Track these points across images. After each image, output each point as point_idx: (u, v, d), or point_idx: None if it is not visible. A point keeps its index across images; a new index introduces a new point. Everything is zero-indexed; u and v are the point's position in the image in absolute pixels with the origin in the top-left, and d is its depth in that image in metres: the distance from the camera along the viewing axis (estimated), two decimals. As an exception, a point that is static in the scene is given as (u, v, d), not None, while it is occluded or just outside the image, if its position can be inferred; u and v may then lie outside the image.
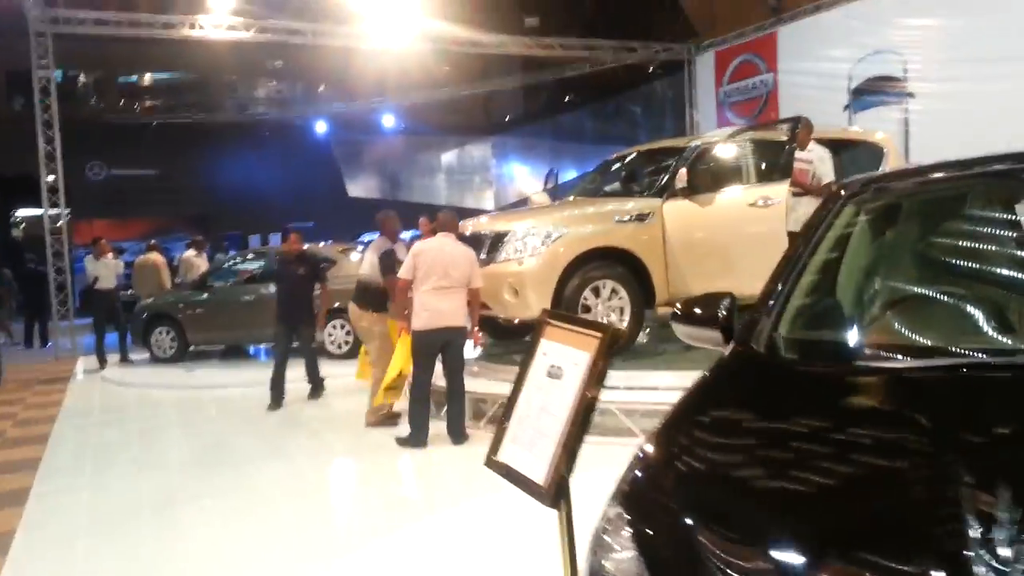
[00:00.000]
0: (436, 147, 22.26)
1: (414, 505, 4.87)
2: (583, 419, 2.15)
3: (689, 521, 1.52)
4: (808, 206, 6.27)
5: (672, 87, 17.70)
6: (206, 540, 4.31)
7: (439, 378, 5.91)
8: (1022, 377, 1.74)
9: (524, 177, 22.75)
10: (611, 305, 6.37)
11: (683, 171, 6.28)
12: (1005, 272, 2.28)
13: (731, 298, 2.33)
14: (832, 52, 13.28)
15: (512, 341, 7.76)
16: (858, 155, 7.50)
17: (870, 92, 12.67)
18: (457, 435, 5.80)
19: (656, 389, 5.68)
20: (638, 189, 7.29)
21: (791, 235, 6.10)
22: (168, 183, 23.31)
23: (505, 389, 6.11)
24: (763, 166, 6.42)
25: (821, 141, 6.63)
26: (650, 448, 1.83)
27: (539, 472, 2.20)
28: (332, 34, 13.61)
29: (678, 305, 2.49)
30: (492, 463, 2.41)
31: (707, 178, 6.47)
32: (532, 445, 2.27)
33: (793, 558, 1.34)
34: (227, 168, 22.58)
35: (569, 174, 22.37)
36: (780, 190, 5.88)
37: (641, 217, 6.45)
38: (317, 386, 7.89)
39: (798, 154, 6.41)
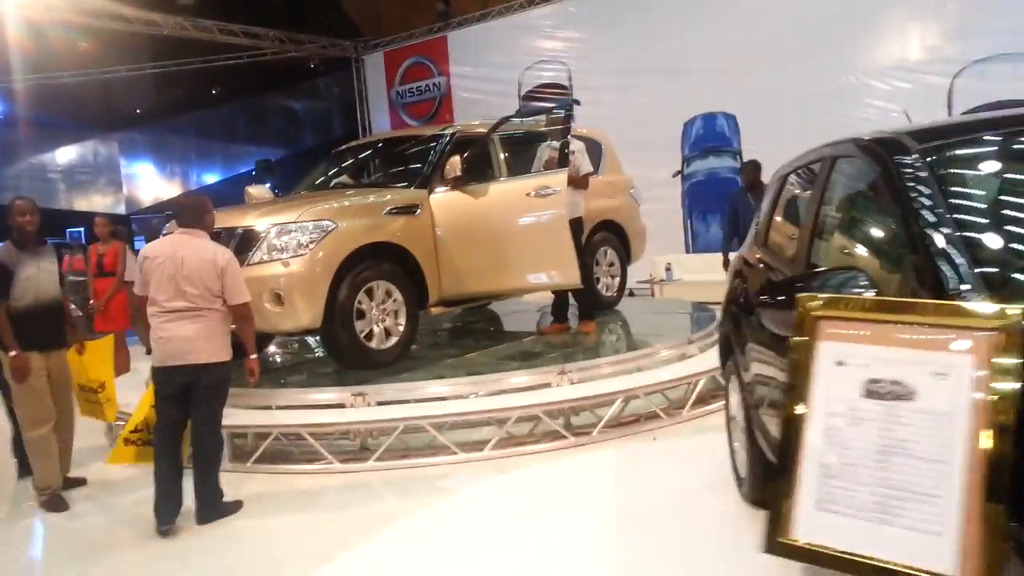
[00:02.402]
0: (49, 141, 18.66)
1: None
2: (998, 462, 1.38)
3: None
4: (572, 196, 6.23)
5: (338, 85, 17.00)
6: None
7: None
8: None
9: (162, 178, 20.19)
10: (386, 308, 5.66)
11: (456, 159, 5.81)
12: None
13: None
14: (501, 59, 13.80)
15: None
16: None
17: (538, 99, 13.38)
18: (207, 511, 4.09)
19: (462, 398, 5.15)
20: (388, 180, 6.64)
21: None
22: None
23: (266, 418, 5.15)
24: (535, 155, 6.21)
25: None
26: None
27: (929, 556, 1.42)
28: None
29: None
30: (787, 548, 1.58)
31: (478, 167, 6.09)
32: (886, 511, 1.50)
33: None
34: None
35: (212, 176, 20.43)
36: (559, 179, 5.72)
37: (409, 210, 5.84)
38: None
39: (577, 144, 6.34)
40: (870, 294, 1.74)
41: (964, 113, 10.20)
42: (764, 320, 2.88)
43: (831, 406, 1.52)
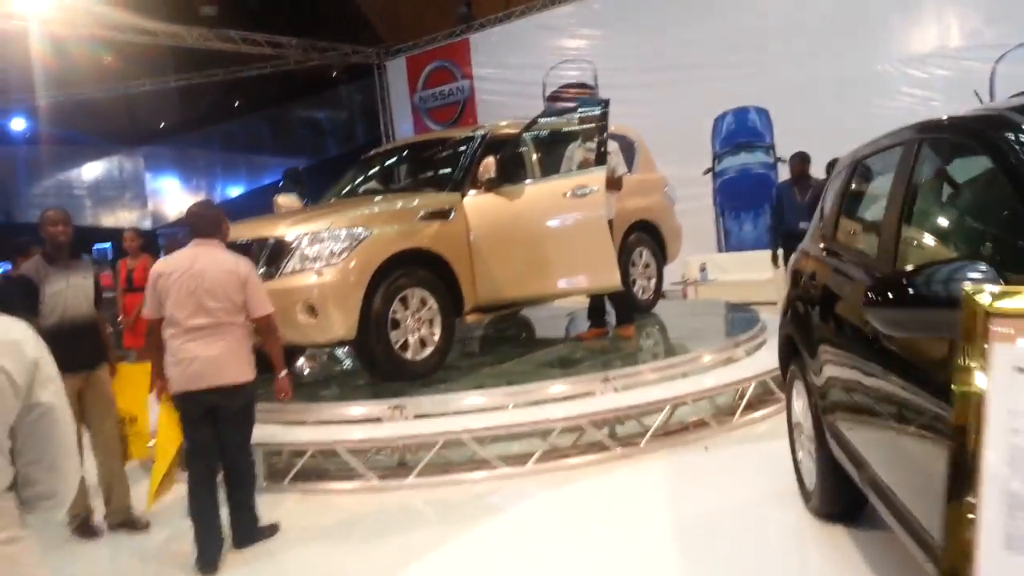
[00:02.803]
0: (74, 158, 18.76)
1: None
2: None
3: None
4: (611, 198, 6.03)
5: (361, 92, 16.92)
6: None
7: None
8: None
9: (187, 192, 20.24)
10: (421, 317, 5.48)
11: (490, 161, 5.62)
12: None
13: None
14: (524, 60, 13.61)
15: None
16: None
17: (563, 99, 13.16)
18: (244, 535, 3.89)
19: (502, 409, 4.95)
20: (418, 185, 6.47)
21: None
22: None
23: (302, 435, 4.97)
24: (570, 155, 5.99)
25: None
26: None
27: None
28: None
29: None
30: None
31: (511, 169, 5.90)
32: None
33: None
34: None
35: (237, 188, 20.44)
36: (596, 178, 5.50)
37: (443, 214, 5.65)
38: None
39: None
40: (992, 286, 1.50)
41: (1014, 96, 9.90)
42: (846, 320, 2.65)
43: (1015, 421, 1.25)
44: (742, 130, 11.69)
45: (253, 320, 3.78)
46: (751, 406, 5.26)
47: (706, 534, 3.53)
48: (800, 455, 3.64)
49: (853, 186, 3.10)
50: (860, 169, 3.07)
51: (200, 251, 3.75)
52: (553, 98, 13.28)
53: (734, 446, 4.78)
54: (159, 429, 3.97)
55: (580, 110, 5.99)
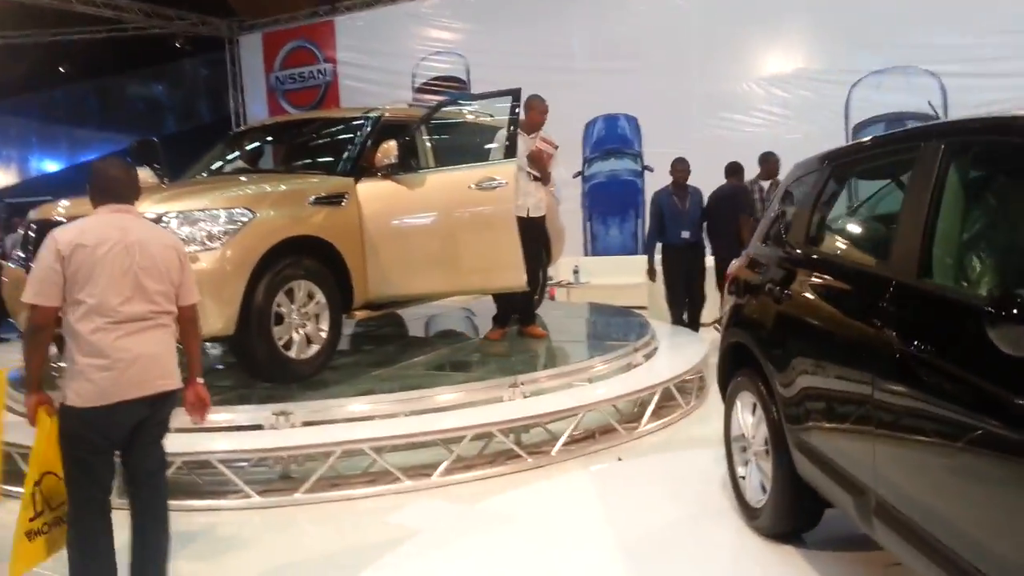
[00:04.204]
0: None
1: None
2: None
3: None
4: (541, 192, 5.76)
5: (208, 67, 15.63)
6: None
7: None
8: None
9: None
10: (307, 312, 4.91)
11: (391, 145, 5.13)
12: None
13: None
14: (393, 48, 13.08)
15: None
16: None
17: (434, 91, 12.74)
18: None
19: (402, 416, 4.49)
20: (301, 167, 5.87)
21: (525, 220, 5.46)
22: None
23: (168, 444, 4.25)
24: (471, 145, 5.61)
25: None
26: None
27: None
28: None
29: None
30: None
31: (413, 155, 5.45)
32: None
33: None
34: None
35: (55, 164, 18.37)
36: (506, 171, 5.15)
37: (335, 200, 5.10)
38: None
39: (544, 135, 5.80)
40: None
41: (859, 124, 10.55)
42: (850, 330, 2.46)
43: None
44: (612, 136, 11.77)
45: (180, 308, 2.99)
46: (654, 413, 5.10)
47: (646, 554, 3.27)
48: (742, 470, 3.47)
49: (832, 189, 2.94)
50: (840, 171, 2.92)
51: (131, 219, 2.91)
52: (422, 90, 12.83)
53: (648, 455, 4.58)
54: (34, 464, 2.85)
55: (489, 99, 5.62)
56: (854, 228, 2.96)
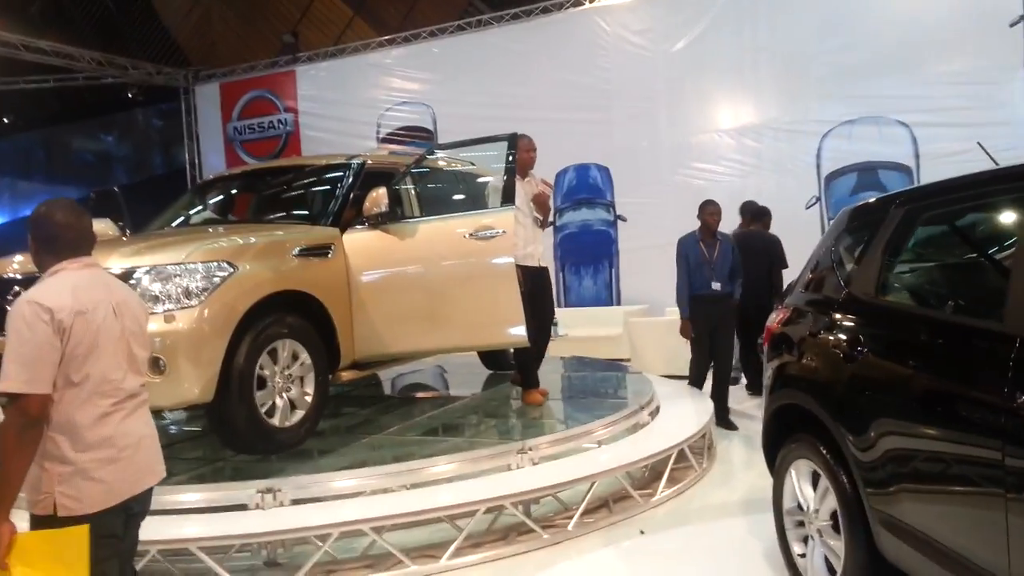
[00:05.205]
0: None
1: None
2: None
3: None
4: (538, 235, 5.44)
5: (162, 118, 15.13)
6: None
7: None
8: None
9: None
10: (291, 374, 4.46)
11: (381, 193, 4.76)
12: None
13: None
14: (356, 97, 12.81)
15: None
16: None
17: (399, 141, 12.48)
18: None
19: (404, 489, 4.05)
20: (277, 218, 5.46)
21: (534, 270, 5.14)
22: None
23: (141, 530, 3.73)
24: (473, 192, 5.29)
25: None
26: None
27: None
28: None
29: None
30: None
31: (406, 203, 5.11)
32: None
33: None
34: None
35: (-4, 217, 17.51)
36: (504, 219, 4.83)
37: (321, 251, 4.71)
38: None
39: (542, 177, 5.51)
40: None
41: (831, 173, 10.57)
42: (960, 389, 2.15)
43: None
44: (584, 186, 11.60)
45: None
46: (671, 479, 4.75)
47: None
48: (799, 547, 3.12)
49: (907, 234, 2.68)
50: (916, 215, 2.66)
51: (105, 276, 2.49)
52: (388, 140, 12.55)
53: (672, 528, 4.20)
54: None
55: (483, 145, 5.34)
56: (942, 277, 2.70)
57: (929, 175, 9.26)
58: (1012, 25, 8.94)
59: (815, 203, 10.10)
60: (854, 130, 9.90)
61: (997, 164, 2.59)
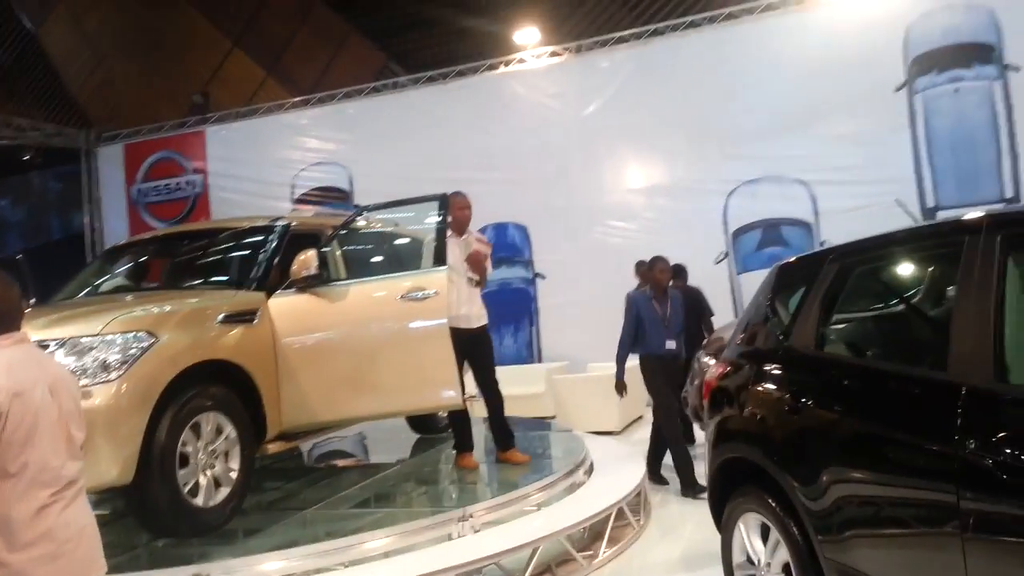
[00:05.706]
0: None
1: None
2: None
3: None
4: (474, 295, 5.35)
5: (60, 180, 14.50)
6: None
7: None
8: None
9: None
10: (215, 450, 4.23)
11: (311, 255, 4.65)
12: None
13: None
14: (268, 157, 12.62)
15: None
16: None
17: (314, 202, 12.32)
18: None
19: (334, 569, 3.86)
20: (195, 284, 5.24)
21: (468, 332, 5.07)
22: None
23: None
24: (403, 253, 5.23)
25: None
26: None
27: None
28: None
29: None
30: None
31: (333, 266, 4.99)
32: None
33: None
34: None
35: None
36: (437, 280, 4.78)
37: (246, 317, 4.53)
38: None
39: (479, 235, 5.48)
40: None
41: (738, 229, 10.98)
42: (912, 437, 2.22)
43: None
44: (502, 245, 11.64)
45: None
46: (612, 539, 4.70)
47: None
48: (752, 603, 3.12)
49: (844, 287, 2.78)
50: (851, 268, 2.77)
51: (36, 352, 2.30)
52: (302, 200, 12.37)
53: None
54: None
55: (412, 205, 5.31)
56: (879, 329, 2.80)
57: (828, 231, 9.78)
58: (897, 89, 9.63)
59: (724, 258, 10.49)
60: (757, 188, 10.36)
61: (917, 220, 2.73)
